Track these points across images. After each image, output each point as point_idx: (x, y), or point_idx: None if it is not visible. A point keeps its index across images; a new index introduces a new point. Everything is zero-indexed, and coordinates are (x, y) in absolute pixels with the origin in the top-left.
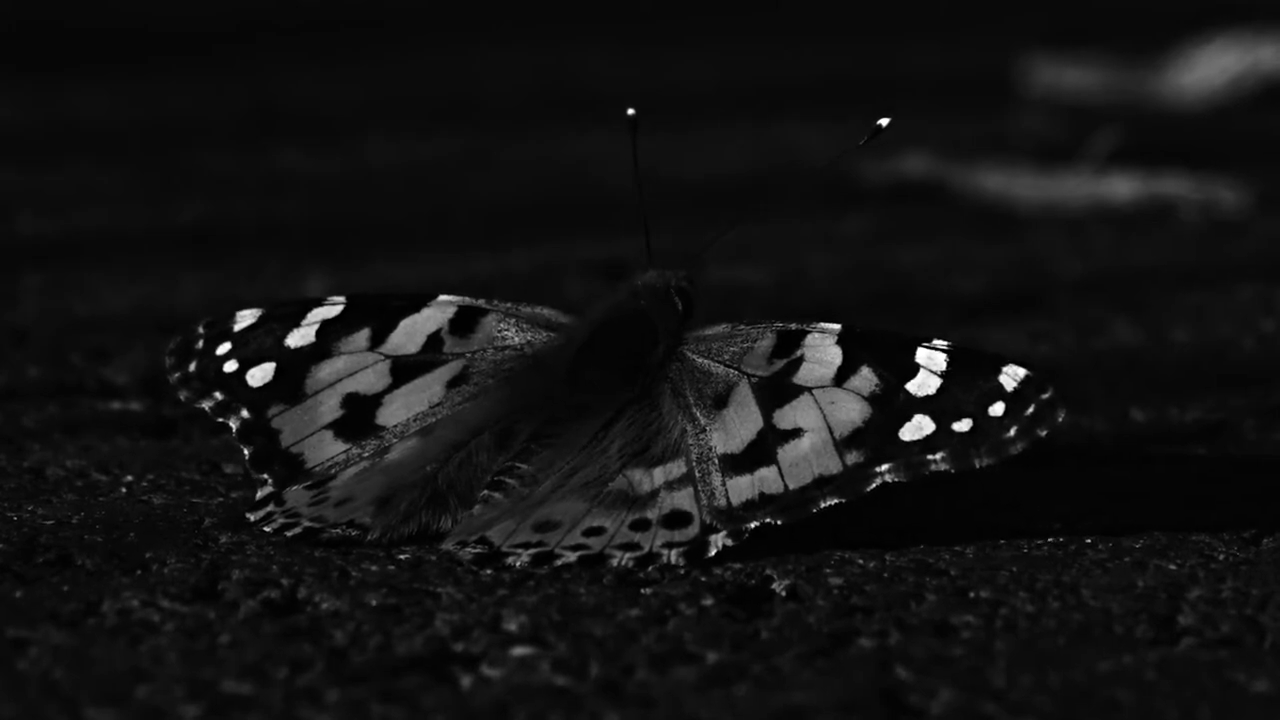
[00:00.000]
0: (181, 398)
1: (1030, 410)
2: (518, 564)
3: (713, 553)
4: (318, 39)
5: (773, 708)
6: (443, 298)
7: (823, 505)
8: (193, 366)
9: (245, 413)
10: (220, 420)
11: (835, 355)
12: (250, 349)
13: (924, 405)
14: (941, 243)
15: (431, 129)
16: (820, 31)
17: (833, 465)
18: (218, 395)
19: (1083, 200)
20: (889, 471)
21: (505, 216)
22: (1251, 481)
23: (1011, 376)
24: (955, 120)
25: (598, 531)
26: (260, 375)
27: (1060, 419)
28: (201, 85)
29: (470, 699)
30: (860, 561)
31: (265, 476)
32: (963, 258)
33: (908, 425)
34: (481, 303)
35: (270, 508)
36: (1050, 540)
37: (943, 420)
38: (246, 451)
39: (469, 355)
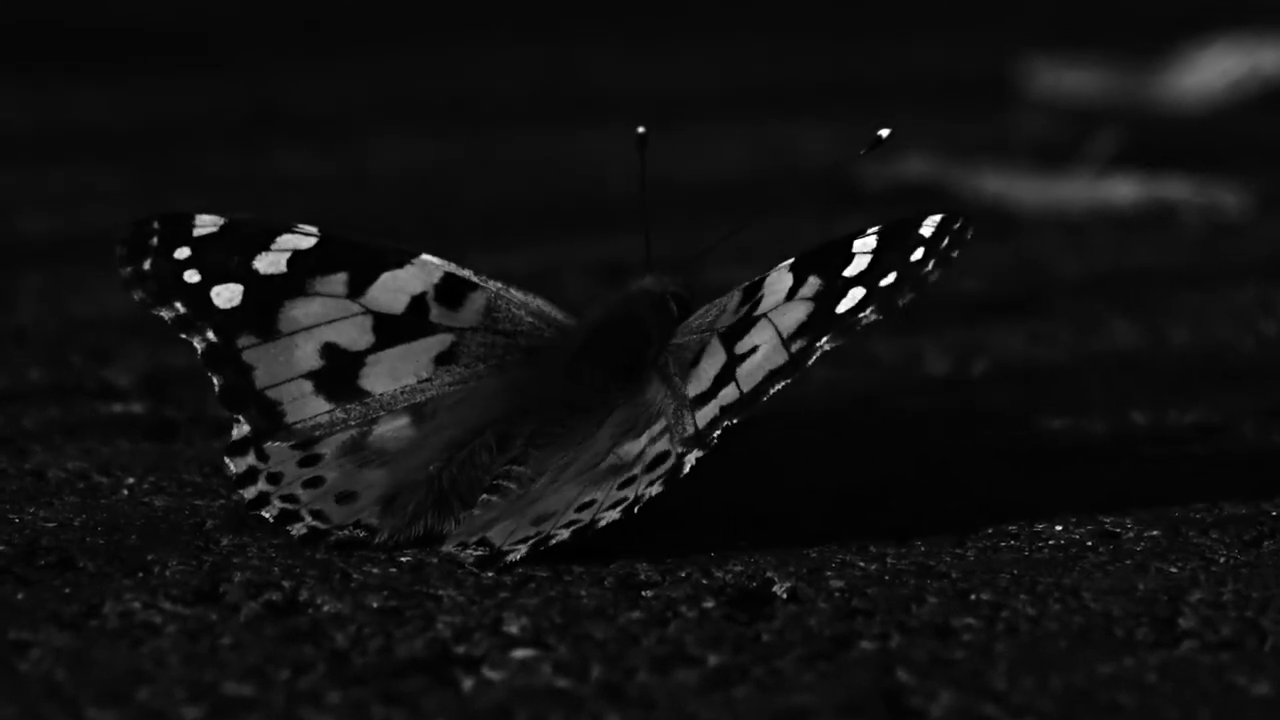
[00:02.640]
0: (135, 297)
1: (944, 242)
2: (518, 557)
3: (686, 470)
4: (317, 39)
5: (774, 710)
6: (425, 257)
7: (774, 390)
8: (147, 265)
9: (211, 335)
10: (182, 335)
11: (789, 280)
12: (212, 262)
13: (858, 280)
14: None
15: (431, 129)
16: (821, 32)
17: (780, 359)
18: (179, 307)
19: (1083, 202)
20: (827, 342)
21: (505, 216)
22: (1252, 483)
23: (930, 224)
24: (955, 122)
25: (589, 505)
26: (227, 296)
27: (969, 236)
28: (201, 85)
29: (471, 701)
30: (861, 564)
31: (239, 417)
32: (962, 259)
33: (844, 300)
34: (469, 274)
35: (252, 460)
36: (1051, 543)
37: (872, 283)
38: (216, 381)
39: (459, 331)
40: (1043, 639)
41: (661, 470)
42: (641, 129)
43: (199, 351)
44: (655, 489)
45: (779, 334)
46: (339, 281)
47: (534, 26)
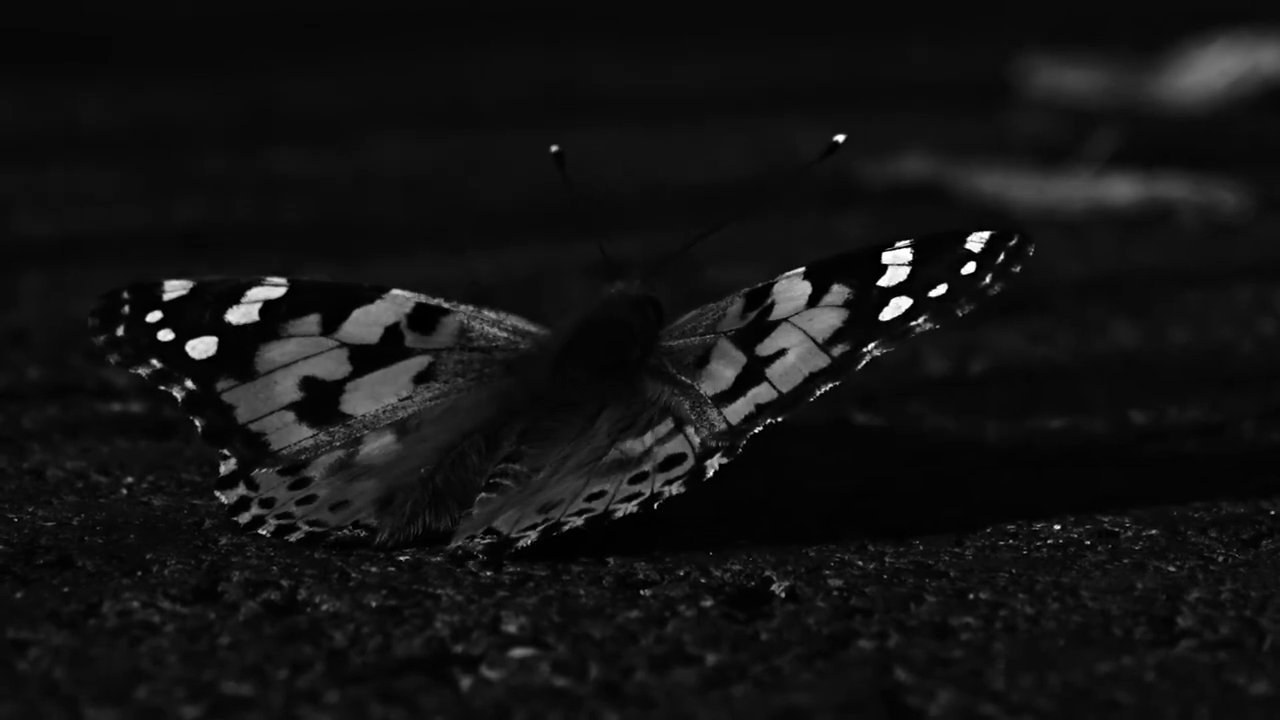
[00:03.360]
0: (111, 361)
1: (1000, 258)
2: (528, 543)
3: (710, 474)
4: (316, 41)
5: (772, 709)
6: (396, 291)
7: (819, 393)
8: (121, 331)
9: (190, 384)
10: (162, 389)
11: (805, 288)
12: (186, 321)
13: (898, 290)
14: None
15: (430, 131)
16: (821, 33)
17: (821, 361)
18: (155, 363)
19: (1082, 202)
20: (876, 348)
21: (504, 218)
22: (1250, 483)
23: (977, 240)
24: (954, 121)
25: (599, 495)
26: (202, 348)
27: (1030, 252)
28: (199, 87)
29: (470, 700)
30: (859, 563)
31: (225, 452)
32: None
33: (886, 309)
34: (440, 302)
35: (243, 491)
36: (1049, 542)
37: (918, 293)
38: (198, 424)
39: (435, 352)
40: (1041, 638)
41: (679, 471)
42: (555, 148)
43: (179, 401)
44: (676, 488)
45: (811, 338)
46: (312, 322)
47: (533, 28)
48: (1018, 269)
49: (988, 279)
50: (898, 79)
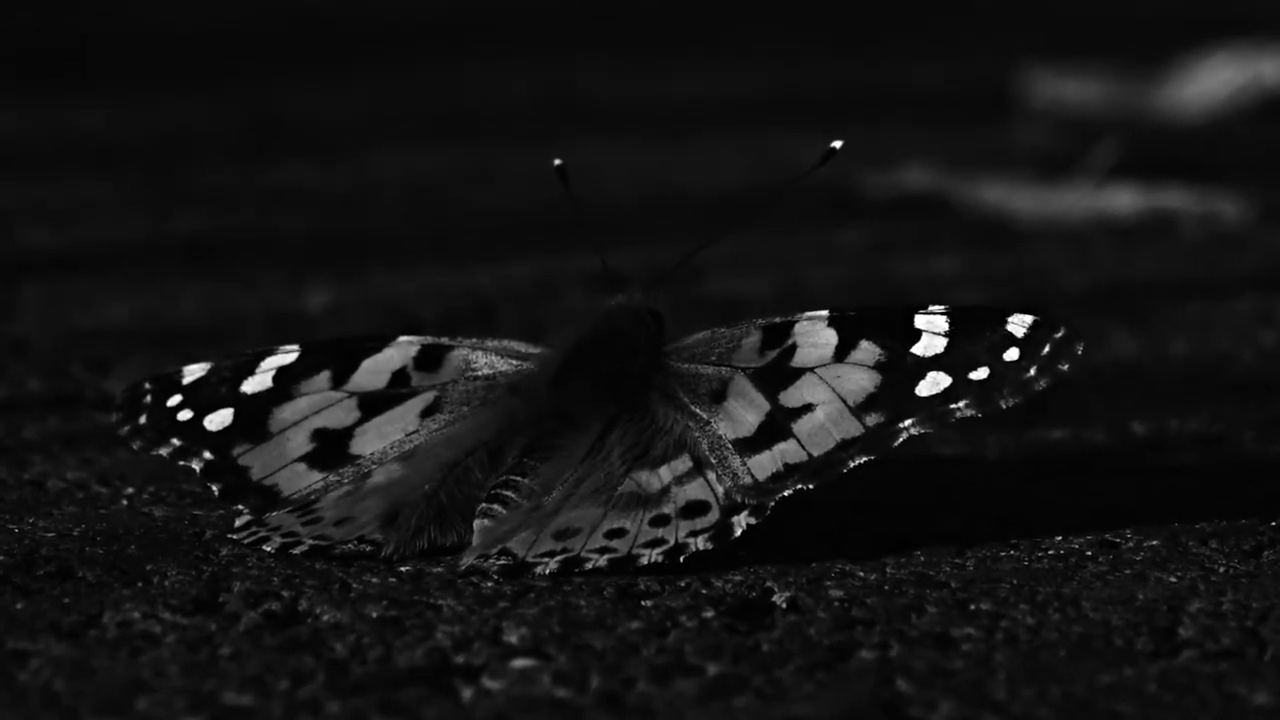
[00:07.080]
0: (134, 447)
1: (1046, 350)
2: (546, 571)
3: (738, 533)
4: (317, 53)
5: None
6: (403, 338)
7: (852, 465)
8: (143, 419)
9: (208, 455)
10: (181, 464)
11: (830, 337)
12: (203, 398)
13: (935, 363)
14: (941, 255)
15: (432, 142)
16: (822, 44)
17: (853, 428)
18: (175, 442)
19: (1083, 213)
20: (913, 425)
21: (505, 228)
22: (1252, 493)
23: (1020, 324)
24: (956, 133)
25: (619, 533)
26: (219, 420)
27: (1080, 352)
28: (201, 99)
29: (471, 711)
30: (861, 574)
31: (240, 507)
32: (962, 270)
33: (923, 382)
34: (445, 340)
35: (255, 529)
36: (1051, 553)
37: (958, 372)
38: (216, 488)
39: (440, 387)
40: (1042, 649)
41: (704, 523)
42: (558, 161)
43: (198, 471)
44: (703, 543)
45: (841, 398)
46: (323, 379)
47: (533, 40)
48: (1065, 367)
49: (1033, 371)
50: (899, 90)
